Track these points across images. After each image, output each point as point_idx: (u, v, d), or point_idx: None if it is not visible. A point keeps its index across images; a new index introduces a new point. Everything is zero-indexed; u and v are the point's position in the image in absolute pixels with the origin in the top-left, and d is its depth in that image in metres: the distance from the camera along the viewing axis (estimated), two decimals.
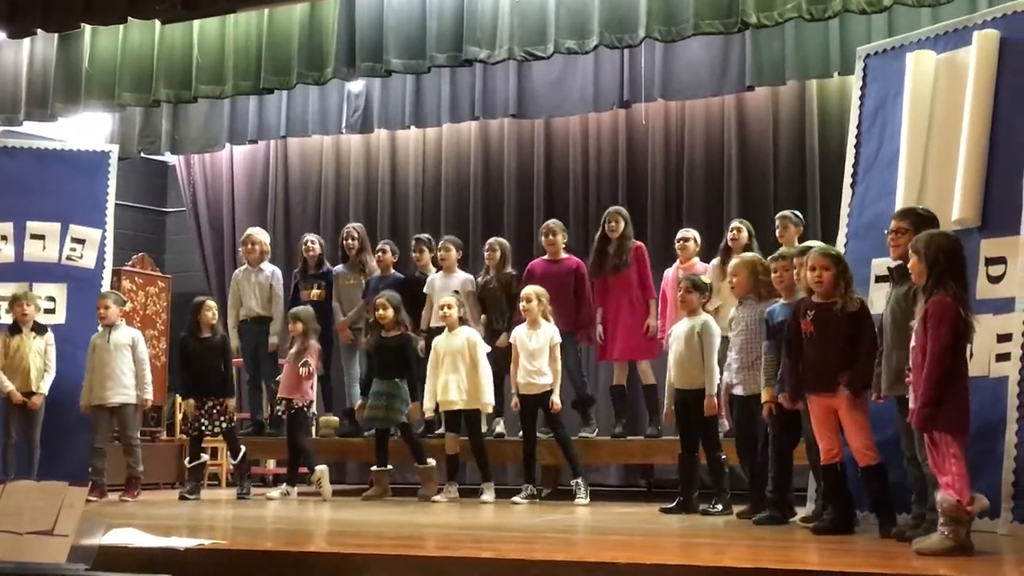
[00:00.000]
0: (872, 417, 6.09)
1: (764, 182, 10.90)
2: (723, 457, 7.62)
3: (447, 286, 9.77)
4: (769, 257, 7.03)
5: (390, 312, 9.15)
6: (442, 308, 9.01)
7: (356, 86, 11.92)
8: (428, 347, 9.31)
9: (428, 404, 8.95)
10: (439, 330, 9.27)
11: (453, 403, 8.88)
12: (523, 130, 12.02)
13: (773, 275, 6.76)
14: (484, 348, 8.96)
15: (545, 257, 9.81)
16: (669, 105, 11.27)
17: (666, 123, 11.36)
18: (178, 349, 9.69)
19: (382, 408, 9.08)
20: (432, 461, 9.18)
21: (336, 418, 10.35)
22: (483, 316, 9.71)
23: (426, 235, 10.58)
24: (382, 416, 9.12)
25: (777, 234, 8.87)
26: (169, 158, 13.54)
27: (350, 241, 10.41)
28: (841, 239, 7.44)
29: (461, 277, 9.93)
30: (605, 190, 11.55)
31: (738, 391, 7.16)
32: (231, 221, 13.31)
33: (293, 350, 9.38)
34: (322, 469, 9.24)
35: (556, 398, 8.55)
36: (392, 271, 10.35)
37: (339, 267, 10.52)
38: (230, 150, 13.07)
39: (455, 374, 8.88)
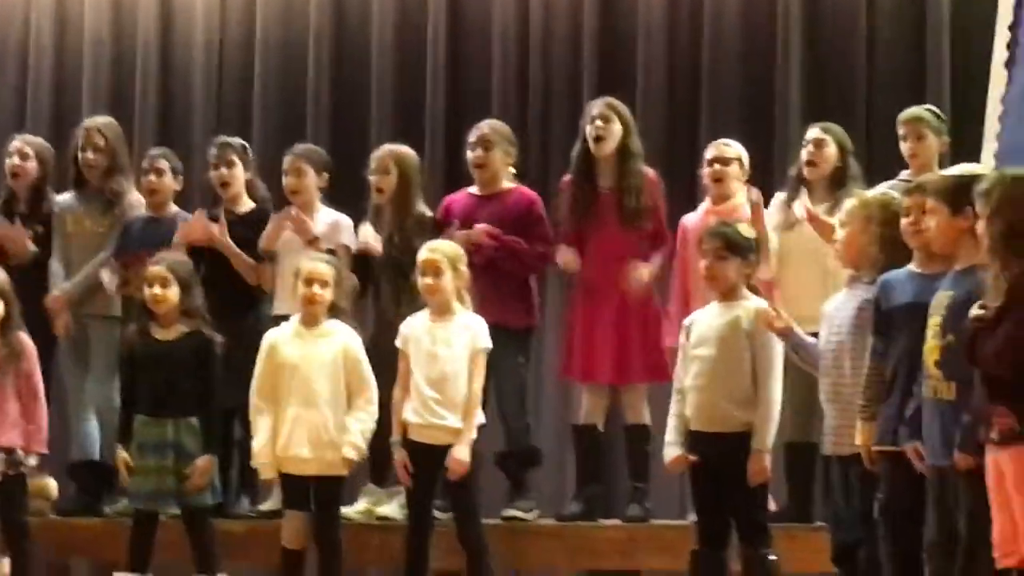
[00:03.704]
0: None
1: (847, 61, 8.30)
2: (772, 559, 5.88)
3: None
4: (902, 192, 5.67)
5: (173, 292, 6.66)
6: (308, 282, 6.56)
7: None
8: (244, 347, 6.88)
9: (261, 457, 6.66)
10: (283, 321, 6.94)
11: (302, 462, 6.53)
12: None
13: (904, 222, 5.31)
14: (367, 365, 6.66)
15: (473, 189, 7.24)
16: None
17: None
18: None
19: (154, 472, 6.62)
20: (224, 575, 6.82)
21: (51, 480, 7.60)
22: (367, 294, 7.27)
23: (237, 140, 7.69)
24: (152, 488, 6.60)
25: (906, 148, 6.78)
26: None
27: (91, 154, 7.49)
28: (986, 158, 6.45)
29: (329, 220, 7.26)
30: (559, 64, 8.64)
31: (836, 447, 5.65)
32: None
33: None
34: None
35: (463, 451, 6.31)
36: (173, 207, 7.56)
37: (65, 197, 7.69)
38: None
39: (308, 409, 6.52)
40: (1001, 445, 4.57)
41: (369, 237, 6.94)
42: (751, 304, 5.96)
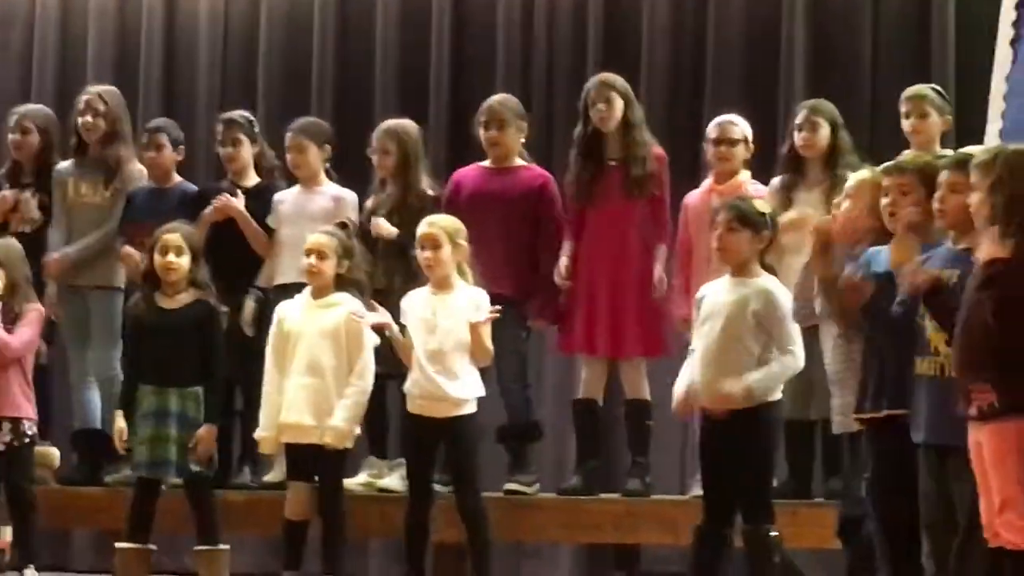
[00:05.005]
0: None
1: (852, 39, 8.10)
2: (774, 535, 5.71)
3: (309, 212, 7.06)
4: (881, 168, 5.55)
5: (184, 261, 6.55)
6: (307, 253, 6.44)
7: None
8: (260, 320, 6.92)
9: (264, 429, 6.57)
10: (289, 291, 6.75)
11: (303, 430, 6.39)
12: None
13: (884, 201, 5.14)
14: (373, 338, 6.43)
15: (485, 163, 7.07)
16: None
17: None
18: None
19: (156, 441, 6.51)
20: (225, 545, 6.69)
21: (54, 449, 7.46)
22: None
23: (241, 113, 7.50)
24: (154, 457, 6.49)
25: (908, 125, 6.55)
26: None
27: (90, 118, 7.28)
28: (990, 138, 6.34)
29: (331, 195, 7.11)
30: (563, 36, 8.44)
31: (845, 424, 5.53)
32: None
33: None
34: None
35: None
36: (176, 177, 7.42)
37: (65, 164, 7.48)
38: None
39: (312, 378, 6.41)
40: (981, 421, 4.53)
41: (382, 226, 6.80)
42: (762, 282, 5.77)
